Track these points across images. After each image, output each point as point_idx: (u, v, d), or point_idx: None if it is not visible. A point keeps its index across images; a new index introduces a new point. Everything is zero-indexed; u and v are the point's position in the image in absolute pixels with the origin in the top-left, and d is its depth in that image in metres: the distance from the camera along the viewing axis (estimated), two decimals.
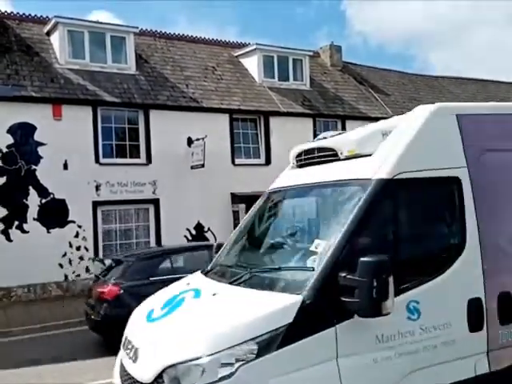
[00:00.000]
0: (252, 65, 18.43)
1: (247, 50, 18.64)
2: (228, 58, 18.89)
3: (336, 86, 20.16)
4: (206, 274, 4.91)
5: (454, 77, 26.20)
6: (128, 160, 15.18)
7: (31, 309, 12.45)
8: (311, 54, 19.86)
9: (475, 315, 4.04)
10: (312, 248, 4.01)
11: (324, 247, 3.88)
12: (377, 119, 19.46)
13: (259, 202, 5.39)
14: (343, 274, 3.61)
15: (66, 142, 13.98)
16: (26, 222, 13.54)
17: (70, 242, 14.05)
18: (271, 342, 3.52)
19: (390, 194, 4.01)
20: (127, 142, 15.30)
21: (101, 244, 14.57)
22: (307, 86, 19.07)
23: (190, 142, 15.70)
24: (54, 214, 13.84)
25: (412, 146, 4.10)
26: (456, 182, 4.17)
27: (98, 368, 8.06)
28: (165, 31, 18.45)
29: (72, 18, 15.12)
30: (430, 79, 24.90)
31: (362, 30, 59.92)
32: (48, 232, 13.79)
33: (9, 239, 13.32)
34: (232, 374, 3.47)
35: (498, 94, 26.14)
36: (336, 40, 20.20)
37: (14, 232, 13.40)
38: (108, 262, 10.27)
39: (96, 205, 14.49)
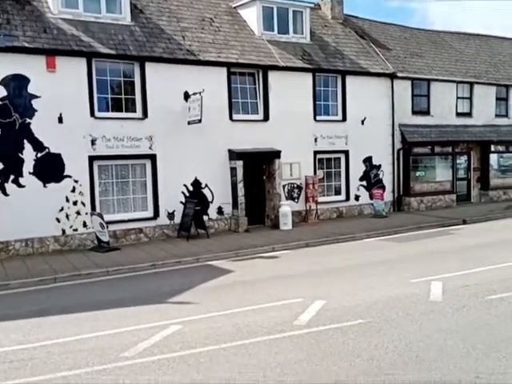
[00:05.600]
0: (251, 17, 17.90)
1: (246, 0, 18.06)
2: (226, 9, 18.34)
3: (337, 39, 19.69)
4: None
5: (456, 32, 25.60)
6: (124, 114, 14.93)
7: (29, 262, 12.53)
8: (312, 6, 19.28)
9: None
10: None
11: None
12: (377, 75, 19.35)
13: None
14: None
15: (60, 95, 13.72)
16: (21, 176, 13.44)
17: (66, 197, 14.01)
18: None
19: None
20: (123, 96, 15.01)
21: (98, 199, 14.53)
22: (307, 39, 18.60)
23: (186, 96, 15.42)
24: (50, 168, 13.73)
25: None
26: None
27: (97, 319, 8.19)
28: None
29: None
30: (432, 34, 24.33)
31: None
32: (44, 186, 13.72)
33: (5, 193, 13.25)
34: None
35: (500, 49, 25.66)
36: None
37: (10, 186, 13.31)
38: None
39: (92, 159, 14.36)
